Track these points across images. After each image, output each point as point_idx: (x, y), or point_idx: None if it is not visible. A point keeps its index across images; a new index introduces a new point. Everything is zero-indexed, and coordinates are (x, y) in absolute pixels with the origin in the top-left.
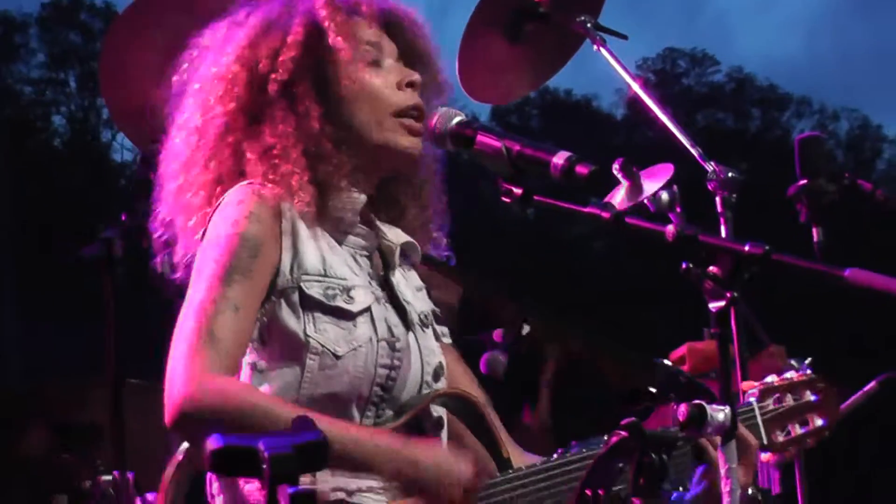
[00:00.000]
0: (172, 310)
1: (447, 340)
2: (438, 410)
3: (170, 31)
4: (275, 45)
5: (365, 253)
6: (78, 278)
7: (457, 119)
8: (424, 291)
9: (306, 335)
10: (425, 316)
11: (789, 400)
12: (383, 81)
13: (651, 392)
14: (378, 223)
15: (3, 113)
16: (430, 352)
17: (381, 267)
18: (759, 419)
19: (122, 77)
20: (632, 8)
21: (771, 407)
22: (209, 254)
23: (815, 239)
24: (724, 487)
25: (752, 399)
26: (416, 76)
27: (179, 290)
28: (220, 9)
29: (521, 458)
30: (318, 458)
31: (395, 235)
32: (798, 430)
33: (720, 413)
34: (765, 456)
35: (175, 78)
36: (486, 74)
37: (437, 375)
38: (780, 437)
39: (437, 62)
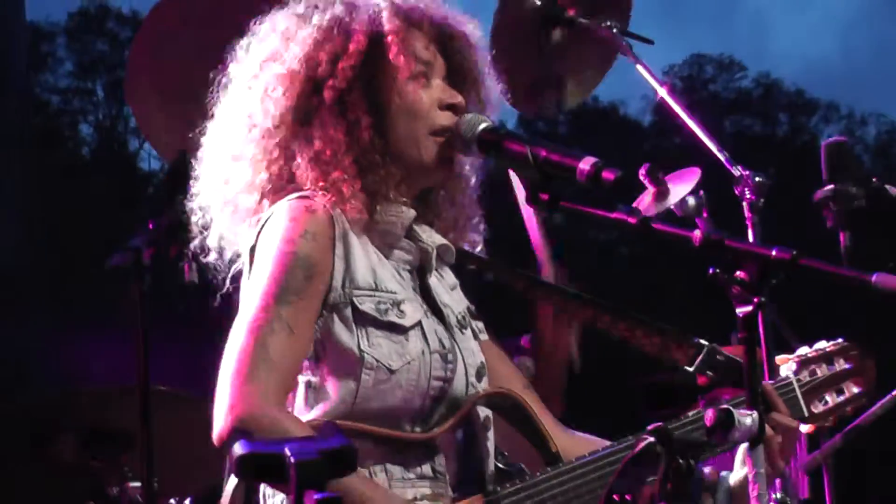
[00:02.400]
0: (200, 317)
1: (484, 336)
2: (485, 410)
3: (194, 40)
4: (336, 50)
5: (408, 267)
6: (107, 287)
7: (483, 125)
8: (458, 289)
9: (360, 350)
10: (463, 316)
11: (824, 370)
12: (428, 100)
13: (674, 394)
14: (414, 226)
15: (31, 122)
16: (470, 353)
17: (420, 273)
18: (798, 392)
19: (148, 85)
20: (664, 13)
21: (807, 378)
22: (264, 271)
23: (843, 244)
24: (752, 492)
25: (789, 373)
26: (458, 99)
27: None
28: (244, 16)
29: (570, 443)
30: (345, 463)
31: (430, 238)
32: (836, 398)
33: (748, 418)
34: (805, 427)
35: (229, 61)
36: (514, 86)
37: (479, 375)
38: (820, 408)
39: (485, 81)
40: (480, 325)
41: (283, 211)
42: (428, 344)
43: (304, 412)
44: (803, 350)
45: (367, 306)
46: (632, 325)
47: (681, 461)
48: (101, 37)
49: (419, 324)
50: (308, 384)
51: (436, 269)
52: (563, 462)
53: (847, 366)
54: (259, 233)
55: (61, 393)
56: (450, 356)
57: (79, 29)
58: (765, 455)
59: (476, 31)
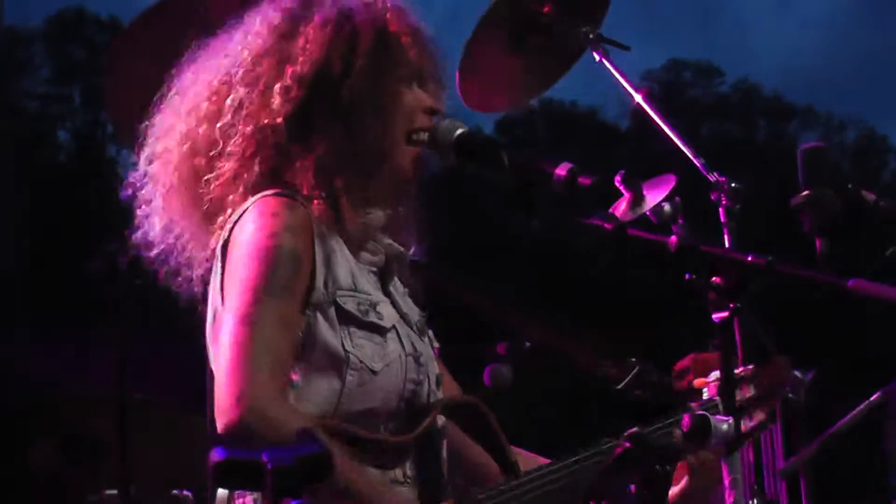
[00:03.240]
0: (178, 323)
1: (436, 345)
2: (441, 419)
3: (174, 45)
4: (346, 48)
5: (374, 269)
6: (83, 292)
7: (459, 130)
8: (408, 296)
9: (346, 350)
10: (421, 323)
11: (739, 394)
12: (414, 102)
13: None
14: (379, 236)
15: (9, 128)
16: (430, 360)
17: (381, 280)
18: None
19: (125, 92)
20: (644, 18)
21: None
22: (250, 265)
23: (819, 249)
24: (728, 499)
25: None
26: (437, 104)
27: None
28: (227, 19)
29: (519, 459)
30: (320, 470)
31: (388, 246)
32: (748, 423)
33: (724, 424)
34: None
35: (191, 60)
36: (485, 85)
37: (438, 382)
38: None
39: (445, 81)
40: (431, 334)
41: (262, 206)
42: (403, 347)
43: None
44: (717, 374)
45: (350, 306)
46: (567, 341)
47: (658, 467)
48: (79, 42)
49: (395, 326)
50: (290, 384)
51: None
52: (521, 473)
53: (755, 392)
54: (232, 228)
55: (37, 400)
56: (421, 359)
57: (56, 34)
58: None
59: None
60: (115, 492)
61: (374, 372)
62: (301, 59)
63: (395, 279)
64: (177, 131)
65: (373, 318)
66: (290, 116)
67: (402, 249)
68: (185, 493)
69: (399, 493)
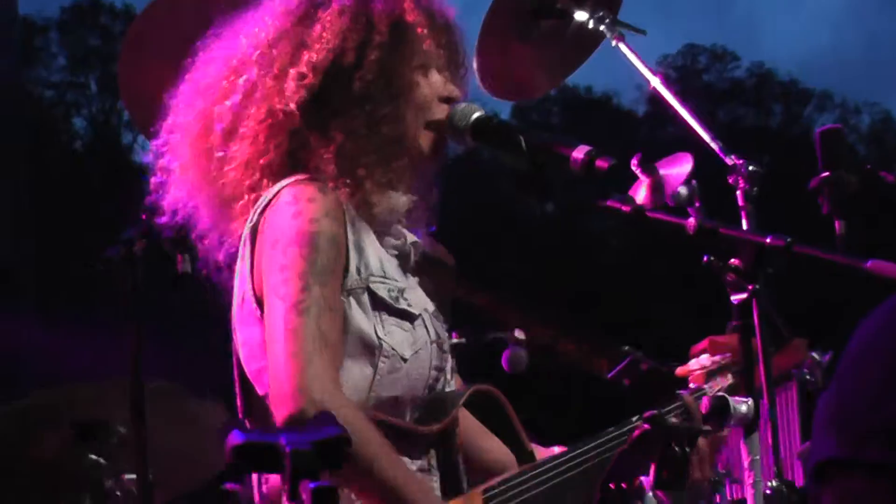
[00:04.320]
0: (196, 309)
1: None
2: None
3: (189, 33)
4: (362, 38)
5: (396, 253)
6: (100, 279)
7: (476, 114)
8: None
9: (379, 337)
10: (437, 316)
11: (719, 382)
12: (430, 91)
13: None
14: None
15: (25, 116)
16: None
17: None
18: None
19: (140, 78)
20: (659, 3)
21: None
22: (293, 251)
23: (838, 231)
24: (748, 479)
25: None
26: (455, 93)
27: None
28: (241, 10)
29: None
30: (339, 453)
31: (407, 234)
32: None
33: (743, 405)
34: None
35: (211, 40)
36: (505, 72)
37: (451, 371)
38: None
39: (467, 69)
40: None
41: (297, 191)
42: (429, 333)
43: None
44: (701, 361)
45: (381, 292)
46: (559, 333)
47: (676, 448)
48: (94, 30)
49: (422, 313)
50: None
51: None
52: (538, 461)
53: (732, 380)
54: (263, 213)
55: (54, 387)
56: (444, 346)
57: (71, 23)
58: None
59: (458, 17)
60: (133, 476)
61: (404, 359)
62: (317, 46)
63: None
64: (194, 107)
65: (403, 304)
66: (305, 103)
67: (416, 238)
68: (233, 487)
69: (427, 483)
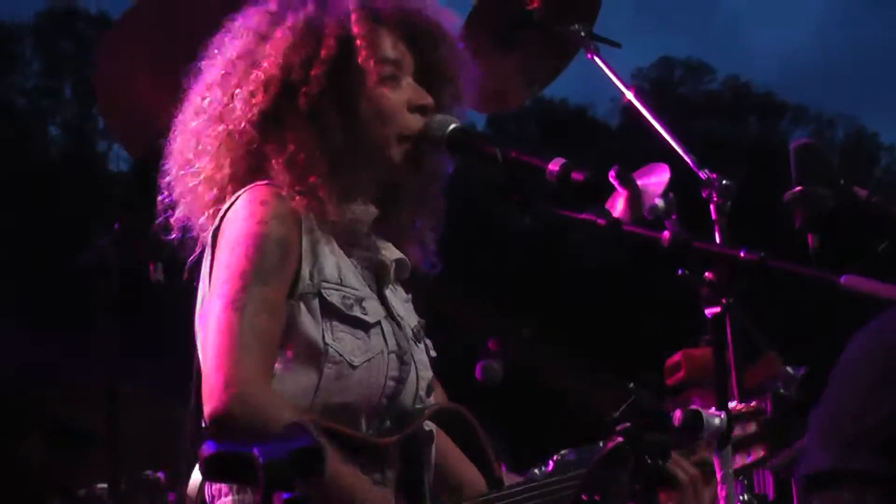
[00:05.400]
0: (167, 315)
1: (433, 353)
2: (430, 425)
3: (164, 39)
4: (308, 54)
5: (367, 265)
6: (74, 286)
7: (452, 126)
8: (411, 303)
9: (325, 343)
10: (417, 330)
11: (738, 430)
12: (397, 101)
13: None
14: (374, 238)
15: None
16: (423, 366)
17: (376, 282)
18: None
19: (116, 85)
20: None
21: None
22: (238, 251)
23: (811, 245)
24: (721, 493)
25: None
26: (427, 101)
27: (180, 291)
28: (216, 17)
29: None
30: (313, 464)
31: (388, 251)
32: (745, 459)
33: (716, 419)
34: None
35: (201, 59)
36: (481, 83)
37: (429, 390)
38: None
39: (456, 73)
40: (429, 342)
41: (252, 194)
42: (387, 343)
43: None
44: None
45: (334, 298)
46: (563, 370)
47: (649, 461)
48: (69, 37)
49: (380, 322)
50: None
51: (392, 283)
52: (506, 486)
53: (756, 429)
54: (223, 216)
55: (28, 392)
56: (405, 357)
57: (46, 29)
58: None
59: (452, 24)
60: (105, 485)
61: (353, 366)
62: (265, 64)
63: (397, 285)
64: (182, 126)
65: (357, 312)
66: (258, 120)
67: (402, 257)
68: (158, 474)
69: (381, 494)
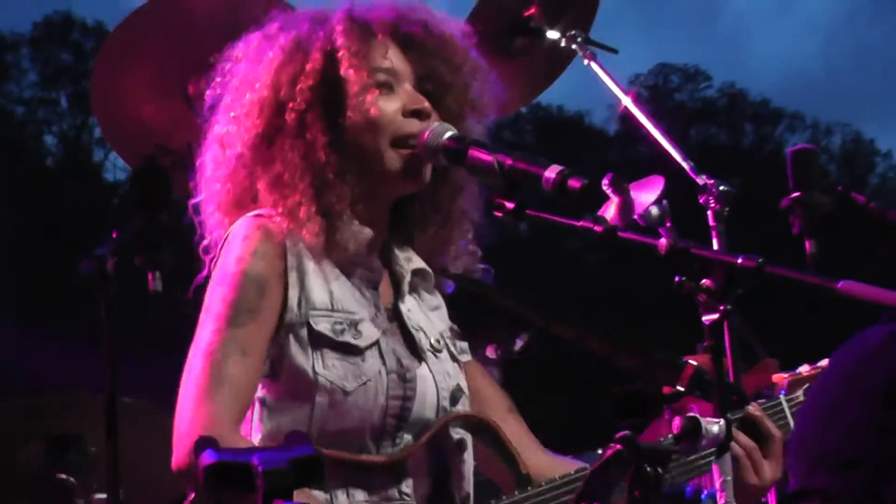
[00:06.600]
0: (167, 327)
1: (466, 358)
2: (460, 433)
3: (161, 49)
4: (296, 70)
5: (370, 284)
6: (72, 296)
7: (448, 134)
8: (442, 310)
9: (315, 372)
10: (437, 340)
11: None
12: (390, 108)
13: (642, 404)
14: (394, 247)
15: None
16: (444, 376)
17: (392, 295)
18: (787, 411)
19: (113, 94)
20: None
21: (800, 398)
22: (217, 292)
23: (809, 251)
24: (720, 500)
25: (781, 392)
26: (422, 105)
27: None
28: (212, 28)
29: (551, 466)
30: (312, 472)
31: (407, 261)
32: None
33: (714, 426)
34: None
35: (210, 90)
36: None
37: (454, 399)
38: None
39: (464, 79)
40: (464, 345)
41: (239, 229)
42: (385, 363)
43: (258, 430)
44: (801, 368)
45: (322, 326)
46: (615, 347)
47: (648, 468)
48: (66, 47)
49: (376, 343)
50: (262, 402)
51: (413, 294)
52: (533, 485)
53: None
54: (220, 249)
55: (27, 402)
56: (408, 375)
57: (43, 39)
58: (746, 471)
59: (453, 31)
60: (104, 496)
61: (346, 392)
62: (258, 85)
63: (425, 294)
64: (203, 147)
65: (348, 337)
66: (255, 143)
67: (422, 267)
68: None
69: None
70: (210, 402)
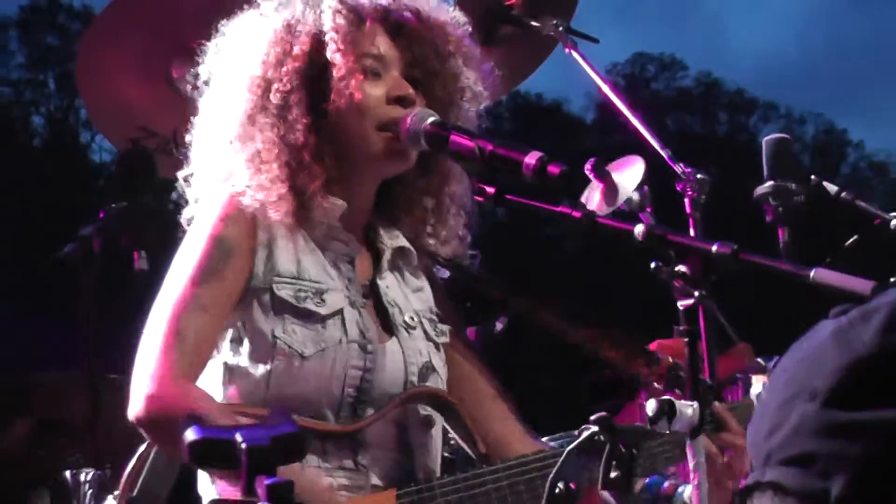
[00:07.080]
0: (151, 304)
1: (444, 339)
2: (427, 410)
3: (147, 31)
4: (284, 52)
5: (346, 259)
6: (58, 275)
7: (430, 119)
8: (426, 293)
9: (274, 336)
10: (412, 318)
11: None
12: (374, 94)
13: (618, 387)
14: (380, 228)
15: None
16: (414, 353)
17: (371, 271)
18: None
19: (98, 75)
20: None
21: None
22: (184, 254)
23: (782, 239)
24: (693, 481)
25: (757, 391)
26: (405, 91)
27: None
28: (198, 12)
29: (520, 445)
30: (296, 448)
31: (390, 240)
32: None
33: (688, 408)
34: None
35: (202, 64)
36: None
37: (422, 376)
38: None
39: (453, 67)
40: (445, 328)
41: (210, 198)
42: (346, 333)
43: (220, 391)
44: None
45: (284, 293)
46: (597, 338)
47: (623, 449)
48: (53, 30)
49: (339, 312)
50: (226, 364)
51: (395, 272)
52: (488, 464)
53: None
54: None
55: (13, 381)
56: (370, 346)
57: (30, 22)
58: (711, 475)
59: (446, 19)
60: (90, 471)
61: (304, 357)
62: (249, 64)
63: (408, 274)
64: (196, 125)
65: (309, 304)
66: (242, 120)
67: (403, 244)
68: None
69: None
70: (167, 357)
